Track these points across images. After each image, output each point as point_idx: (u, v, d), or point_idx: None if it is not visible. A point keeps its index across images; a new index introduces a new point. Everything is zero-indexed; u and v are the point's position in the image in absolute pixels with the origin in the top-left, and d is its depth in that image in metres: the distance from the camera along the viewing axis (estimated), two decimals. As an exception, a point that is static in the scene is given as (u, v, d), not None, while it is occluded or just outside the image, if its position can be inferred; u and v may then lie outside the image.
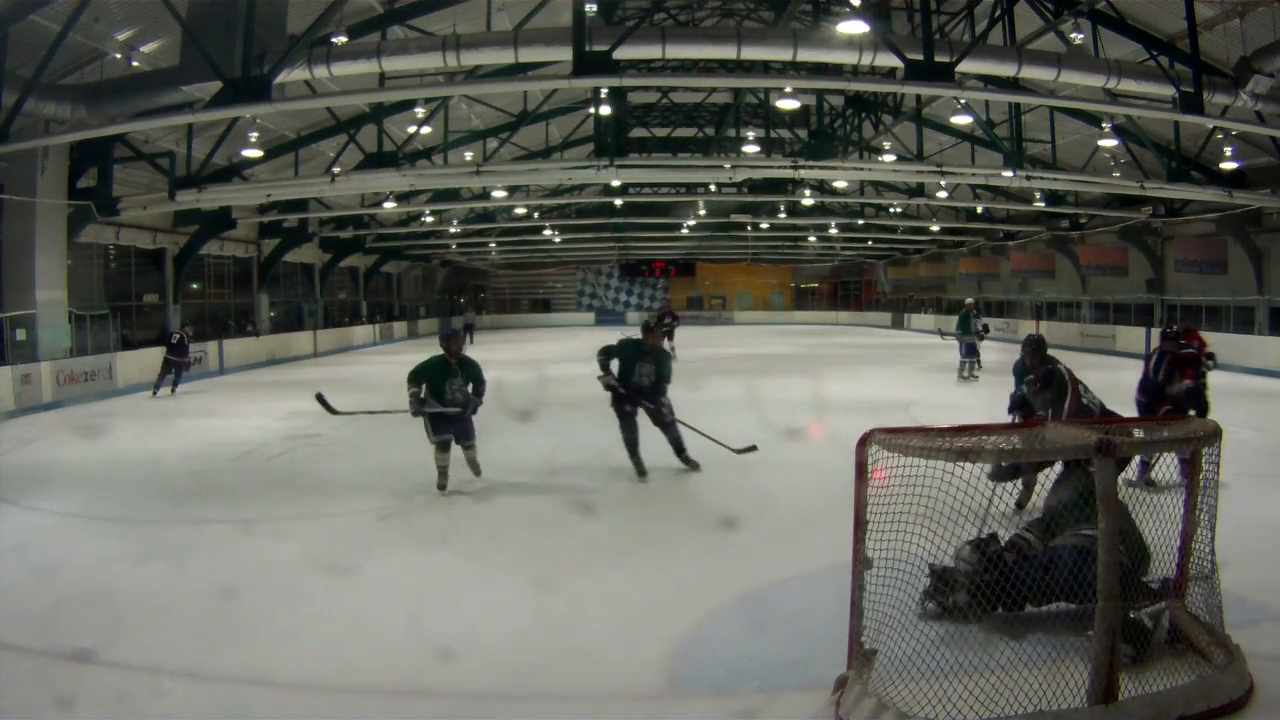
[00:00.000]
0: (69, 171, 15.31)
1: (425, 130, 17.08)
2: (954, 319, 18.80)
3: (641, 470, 7.90)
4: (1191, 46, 10.82)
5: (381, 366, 22.63)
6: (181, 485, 8.40)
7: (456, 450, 7.61)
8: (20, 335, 14.86)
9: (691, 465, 8.08)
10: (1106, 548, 3.35)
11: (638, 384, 7.86)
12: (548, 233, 32.80)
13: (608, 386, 7.86)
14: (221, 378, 20.18)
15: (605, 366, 7.86)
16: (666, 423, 7.99)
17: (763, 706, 3.69)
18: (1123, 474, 5.18)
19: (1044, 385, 6.22)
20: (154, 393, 16.08)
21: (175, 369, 16.37)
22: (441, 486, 7.49)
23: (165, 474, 8.96)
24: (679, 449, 8.07)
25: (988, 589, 4.11)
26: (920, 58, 9.70)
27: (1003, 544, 4.48)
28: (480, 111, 19.40)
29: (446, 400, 7.47)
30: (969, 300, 18.52)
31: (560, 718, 3.75)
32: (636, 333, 8.19)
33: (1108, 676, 3.29)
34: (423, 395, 7.43)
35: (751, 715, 3.65)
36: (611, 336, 8.93)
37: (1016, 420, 6.15)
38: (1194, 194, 17.33)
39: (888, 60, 10.28)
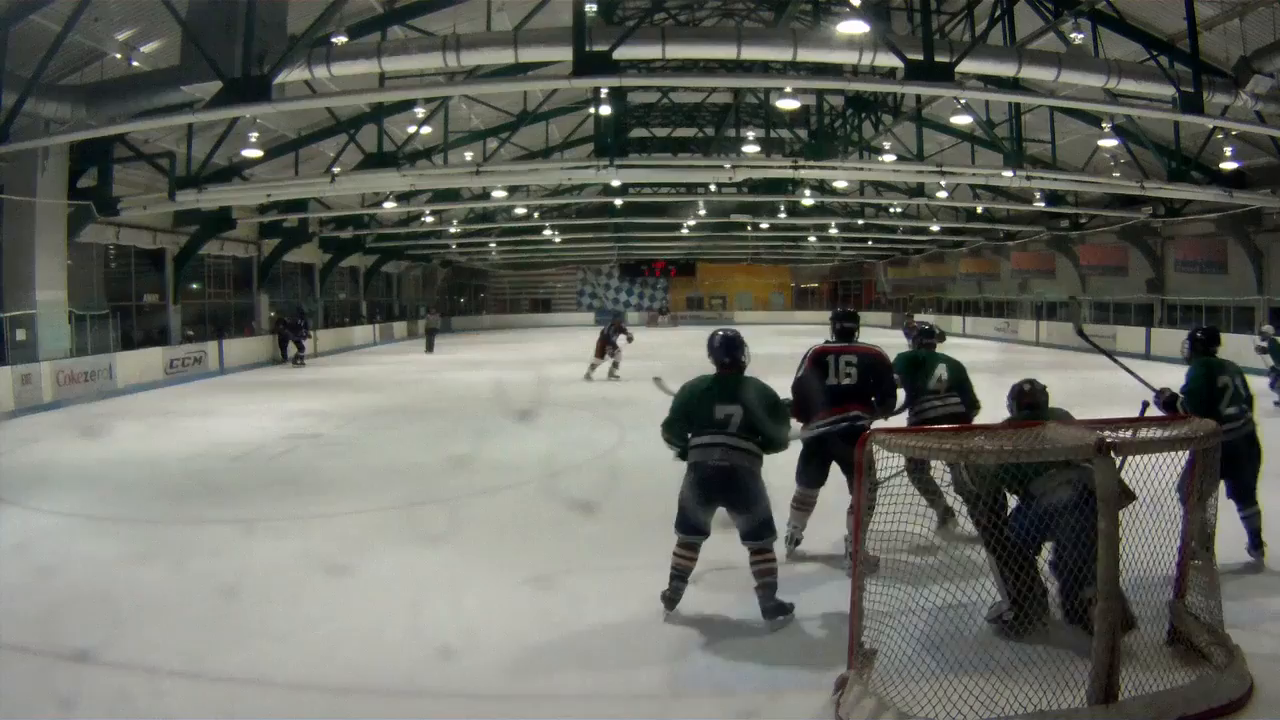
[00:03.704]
0: (69, 171, 15.28)
1: (425, 130, 17.08)
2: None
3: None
4: (1191, 46, 10.82)
5: (381, 367, 22.65)
6: (181, 485, 8.41)
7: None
8: (20, 335, 14.84)
9: None
10: (1107, 548, 3.35)
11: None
12: (548, 233, 32.81)
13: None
14: (221, 378, 20.19)
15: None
16: None
17: (763, 706, 3.69)
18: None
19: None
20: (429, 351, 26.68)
21: (434, 336, 28.02)
22: (668, 601, 4.60)
23: (165, 474, 8.97)
24: None
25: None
26: (920, 58, 9.69)
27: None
28: (480, 111, 19.40)
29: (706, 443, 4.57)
30: None
31: (560, 718, 3.75)
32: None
33: (1108, 676, 3.29)
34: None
35: (751, 715, 3.65)
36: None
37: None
38: (1194, 194, 17.34)
39: (888, 60, 10.27)
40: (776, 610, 4.52)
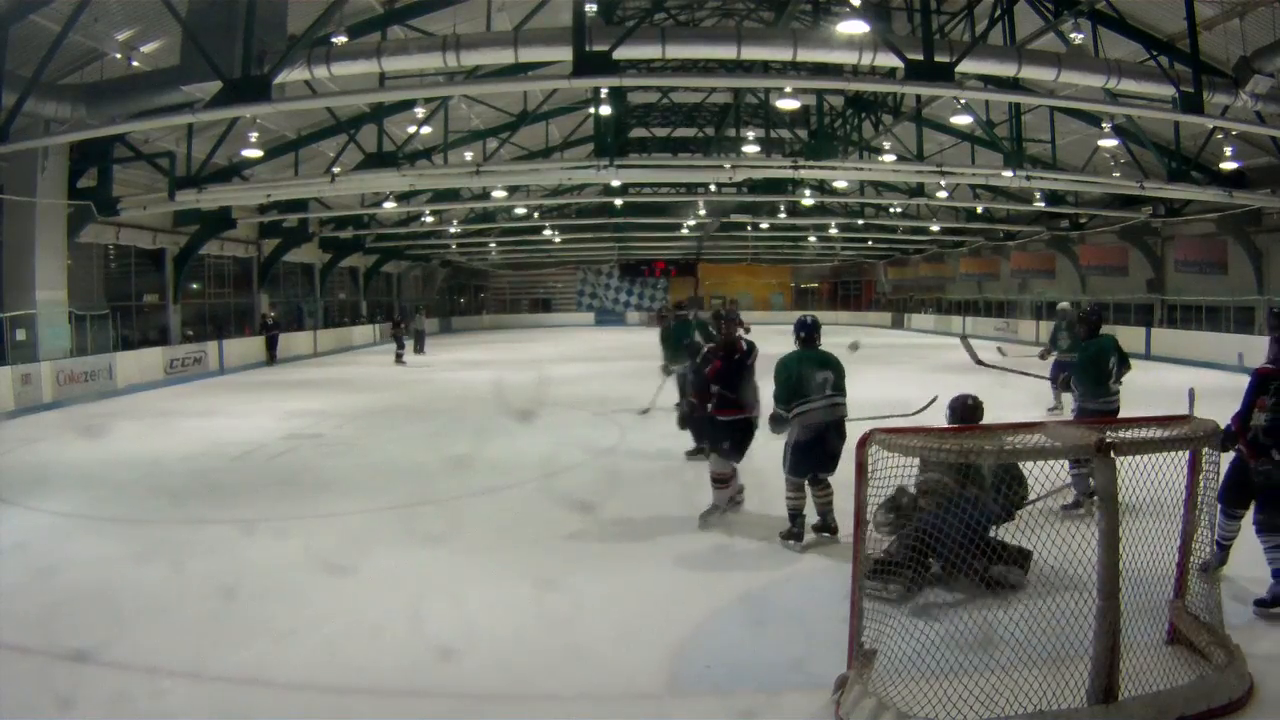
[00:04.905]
0: (69, 171, 15.29)
1: (425, 130, 17.07)
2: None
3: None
4: (1191, 46, 10.82)
5: (382, 367, 22.63)
6: (181, 485, 8.40)
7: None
8: (20, 335, 14.85)
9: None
10: (1107, 546, 3.35)
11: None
12: (548, 233, 32.80)
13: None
14: (221, 378, 20.19)
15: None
16: None
17: (763, 706, 3.69)
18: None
19: None
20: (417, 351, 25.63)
21: (423, 338, 26.82)
22: (796, 537, 5.74)
23: (165, 474, 8.96)
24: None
25: (921, 541, 4.41)
26: (920, 58, 9.69)
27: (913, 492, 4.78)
28: (480, 111, 19.40)
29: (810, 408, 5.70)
30: None
31: (560, 718, 3.75)
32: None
33: (1108, 676, 3.29)
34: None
35: (751, 715, 3.65)
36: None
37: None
38: (1194, 194, 17.32)
39: (888, 60, 10.27)
40: (824, 528, 5.77)
